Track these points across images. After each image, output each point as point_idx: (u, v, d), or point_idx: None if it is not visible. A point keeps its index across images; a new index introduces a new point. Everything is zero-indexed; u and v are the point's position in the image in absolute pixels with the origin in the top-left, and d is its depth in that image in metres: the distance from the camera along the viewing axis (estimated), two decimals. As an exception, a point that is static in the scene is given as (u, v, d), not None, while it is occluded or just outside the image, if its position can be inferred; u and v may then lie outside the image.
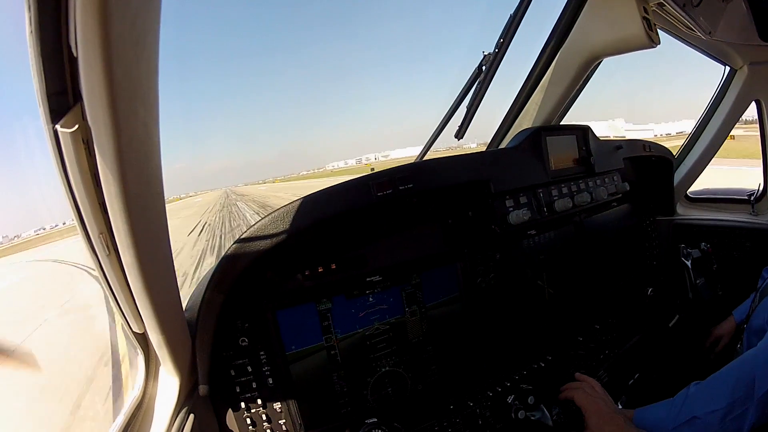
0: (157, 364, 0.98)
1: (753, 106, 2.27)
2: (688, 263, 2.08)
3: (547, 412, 1.27)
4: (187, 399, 1.00)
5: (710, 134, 2.36)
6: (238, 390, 1.11)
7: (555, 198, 1.59)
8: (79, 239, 0.68)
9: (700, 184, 2.61)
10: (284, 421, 1.15)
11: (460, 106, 1.62)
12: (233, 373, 1.10)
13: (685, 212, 2.52)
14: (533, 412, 1.29)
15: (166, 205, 0.71)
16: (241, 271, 0.99)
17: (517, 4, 1.48)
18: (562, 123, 1.96)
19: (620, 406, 1.47)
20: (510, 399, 1.34)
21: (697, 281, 2.08)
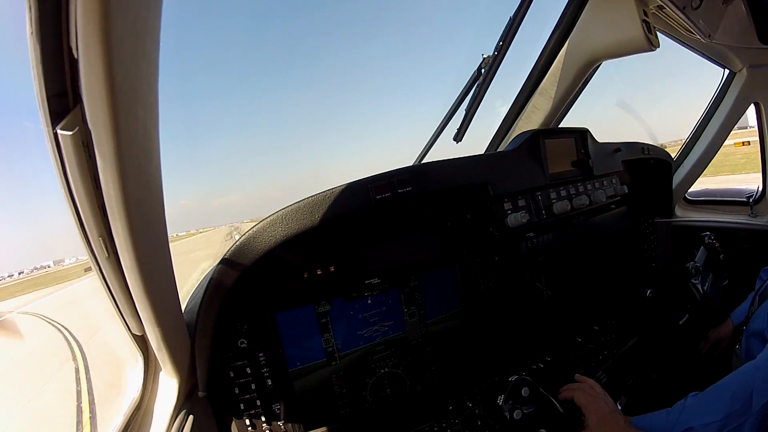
0: (156, 366, 0.98)
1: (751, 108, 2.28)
2: (698, 282, 2.00)
3: (554, 399, 1.18)
4: (186, 400, 1.00)
5: (709, 136, 2.37)
6: (237, 391, 1.11)
7: (553, 201, 1.59)
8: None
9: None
10: (283, 422, 1.15)
11: (459, 109, 1.63)
12: (232, 375, 1.11)
13: (683, 214, 2.52)
14: (528, 405, 1.18)
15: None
16: (240, 273, 1.00)
17: (516, 6, 1.49)
18: (560, 126, 1.97)
19: (619, 407, 1.47)
20: (500, 400, 1.21)
21: (705, 286, 2.04)
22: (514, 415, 1.18)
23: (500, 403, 1.21)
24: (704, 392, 1.07)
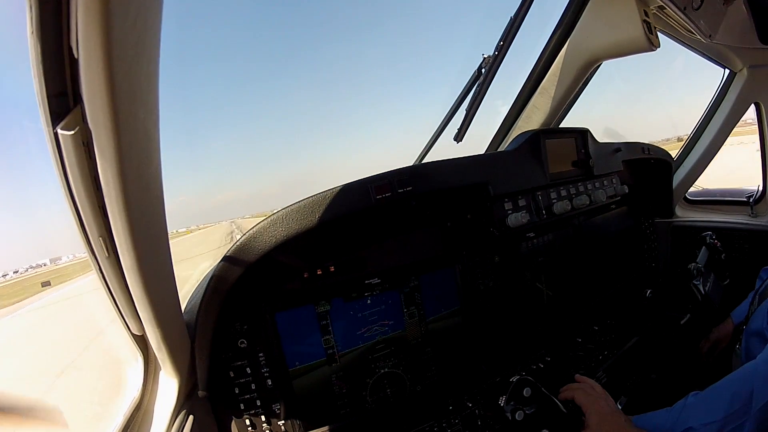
0: (156, 366, 0.98)
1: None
2: (698, 283, 2.00)
3: (556, 399, 1.17)
4: (186, 400, 1.00)
5: (709, 136, 2.37)
6: (237, 391, 1.11)
7: (554, 201, 1.59)
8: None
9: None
10: (283, 422, 1.15)
11: (459, 109, 1.63)
12: (232, 375, 1.11)
13: (684, 214, 2.53)
14: (530, 406, 1.17)
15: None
16: (240, 273, 1.00)
17: (517, 6, 1.48)
18: (561, 126, 1.97)
19: (620, 407, 1.47)
20: (501, 401, 1.19)
21: (707, 287, 2.04)
22: (516, 416, 1.16)
23: (502, 404, 1.18)
24: (704, 392, 1.07)
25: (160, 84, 0.55)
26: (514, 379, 1.21)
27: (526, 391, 1.18)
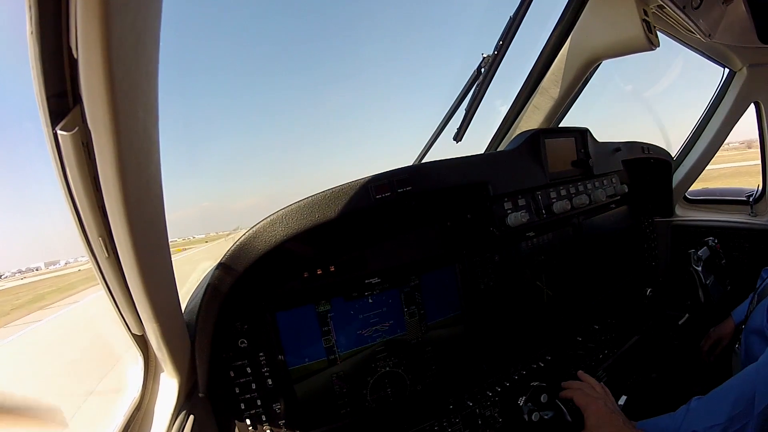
0: (157, 366, 0.98)
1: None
2: (699, 269, 2.03)
3: (563, 407, 1.23)
4: (187, 400, 1.00)
5: (709, 136, 2.38)
6: (237, 391, 1.11)
7: (553, 200, 1.59)
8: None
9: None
10: (284, 421, 1.15)
11: (459, 109, 1.63)
12: (232, 375, 1.11)
13: (683, 213, 2.53)
14: (546, 411, 1.25)
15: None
16: (240, 273, 0.99)
17: (516, 5, 1.49)
18: (561, 125, 1.97)
19: (620, 405, 1.48)
20: (521, 401, 1.28)
21: (707, 281, 2.06)
22: (532, 417, 1.24)
23: (520, 404, 1.28)
24: (707, 396, 1.08)
25: (165, 85, 0.55)
26: (534, 383, 1.32)
27: (543, 397, 1.27)
